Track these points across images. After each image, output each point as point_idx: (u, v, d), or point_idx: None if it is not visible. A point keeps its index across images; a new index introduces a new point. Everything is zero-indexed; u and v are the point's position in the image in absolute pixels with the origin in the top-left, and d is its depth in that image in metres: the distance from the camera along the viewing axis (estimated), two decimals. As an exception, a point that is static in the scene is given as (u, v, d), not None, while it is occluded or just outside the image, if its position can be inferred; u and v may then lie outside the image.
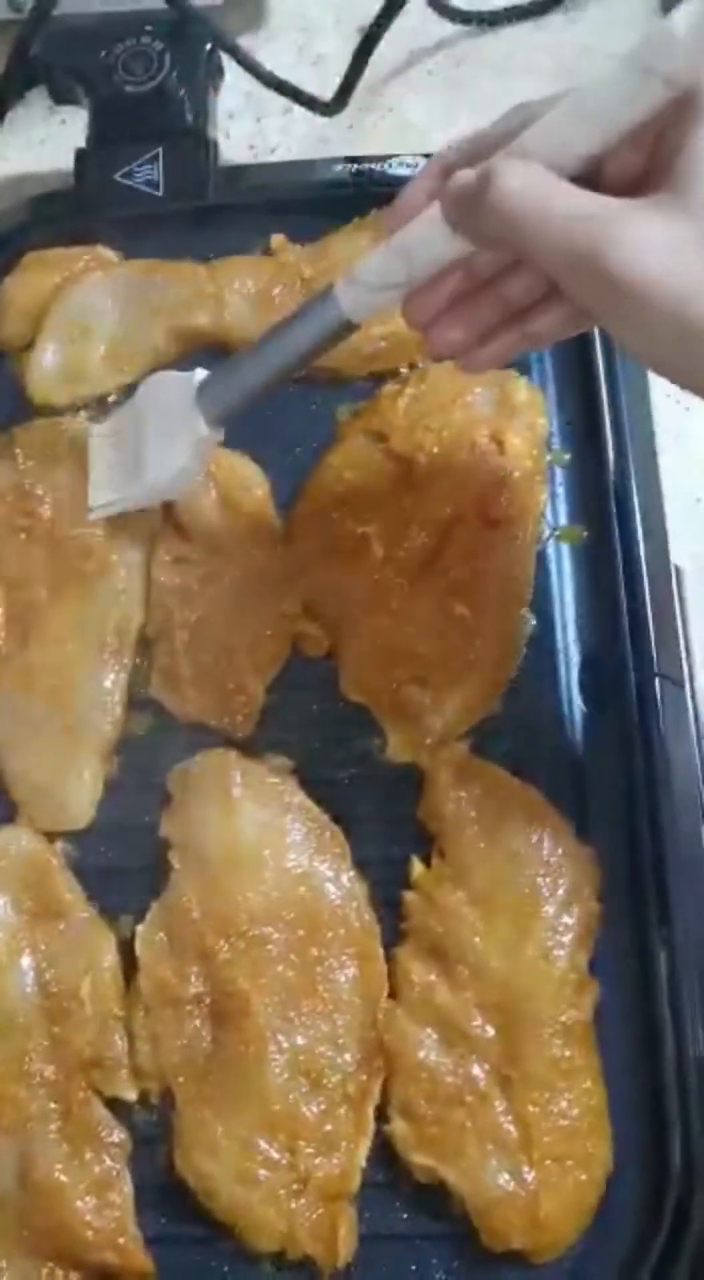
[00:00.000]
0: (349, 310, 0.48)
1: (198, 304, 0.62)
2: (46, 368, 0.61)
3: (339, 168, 0.66)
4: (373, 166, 0.65)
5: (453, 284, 0.46)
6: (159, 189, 0.64)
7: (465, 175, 0.42)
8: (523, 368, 0.61)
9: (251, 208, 0.65)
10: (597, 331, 0.61)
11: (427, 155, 0.65)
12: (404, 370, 0.61)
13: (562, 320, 0.46)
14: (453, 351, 0.48)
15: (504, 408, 0.59)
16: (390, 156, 0.66)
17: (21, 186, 0.74)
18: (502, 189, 0.40)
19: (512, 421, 0.58)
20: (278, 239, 0.63)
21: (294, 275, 0.62)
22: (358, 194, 0.65)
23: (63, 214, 0.66)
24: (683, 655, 0.56)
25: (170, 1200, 0.49)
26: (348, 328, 0.49)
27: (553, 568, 0.58)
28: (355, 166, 0.66)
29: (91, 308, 0.62)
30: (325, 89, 0.72)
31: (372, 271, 0.47)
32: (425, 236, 0.45)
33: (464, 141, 0.46)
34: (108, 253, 0.64)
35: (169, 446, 0.55)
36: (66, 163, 0.67)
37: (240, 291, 0.62)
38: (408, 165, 0.65)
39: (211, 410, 0.53)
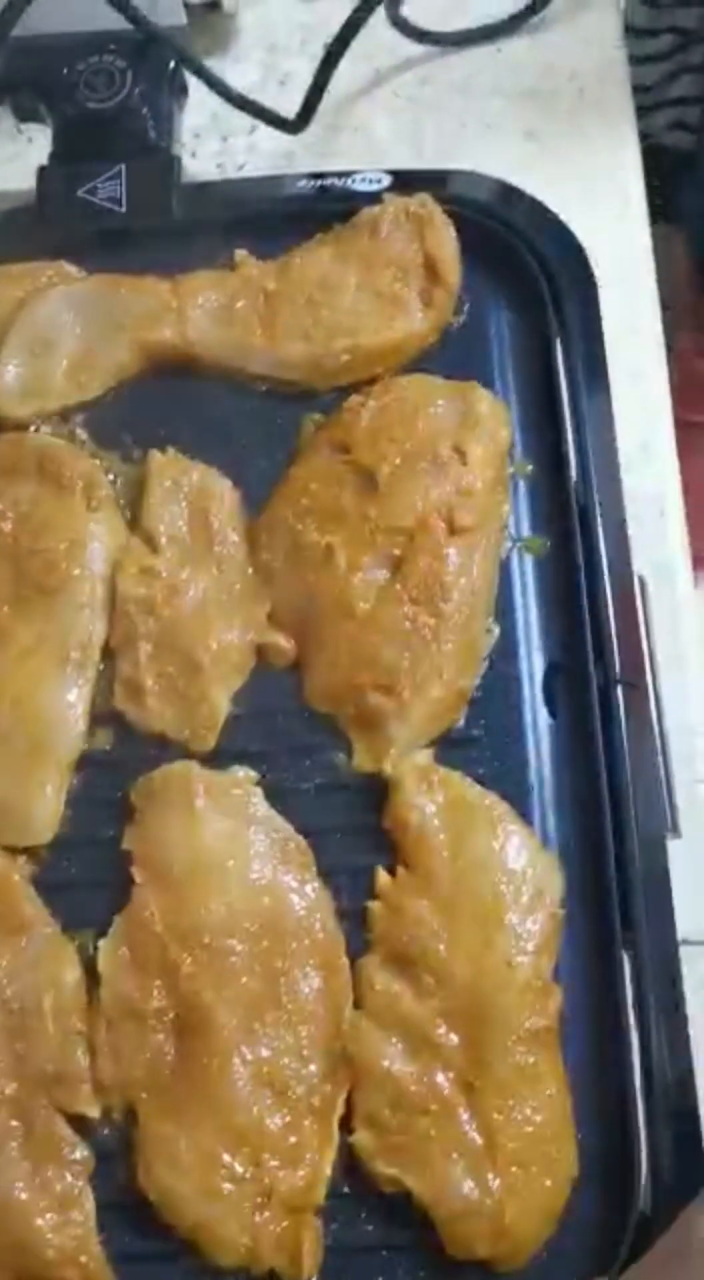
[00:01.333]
0: None
1: (161, 318, 0.62)
2: (9, 382, 0.61)
3: (302, 183, 0.67)
4: (335, 182, 0.66)
5: None
6: (122, 205, 0.65)
7: None
8: (486, 380, 0.61)
9: (215, 223, 0.66)
10: (558, 343, 0.62)
11: (389, 171, 0.66)
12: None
13: None
14: None
15: (467, 419, 0.59)
16: (352, 172, 0.66)
17: (-12, 204, 0.74)
18: None
19: (474, 433, 0.59)
20: (240, 254, 0.64)
21: (257, 290, 0.63)
22: (320, 209, 0.66)
23: (26, 230, 0.66)
24: (646, 663, 0.57)
25: (133, 1217, 0.49)
26: None
27: (516, 578, 0.58)
28: (318, 182, 0.66)
29: (54, 322, 0.62)
30: (293, 108, 0.73)
31: None
32: None
33: None
34: (71, 268, 0.64)
35: None
36: (33, 180, 0.68)
37: (203, 306, 0.62)
38: (370, 180, 0.66)
39: None
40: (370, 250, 0.63)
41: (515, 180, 0.68)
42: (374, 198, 0.65)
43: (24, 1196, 0.48)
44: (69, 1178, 0.48)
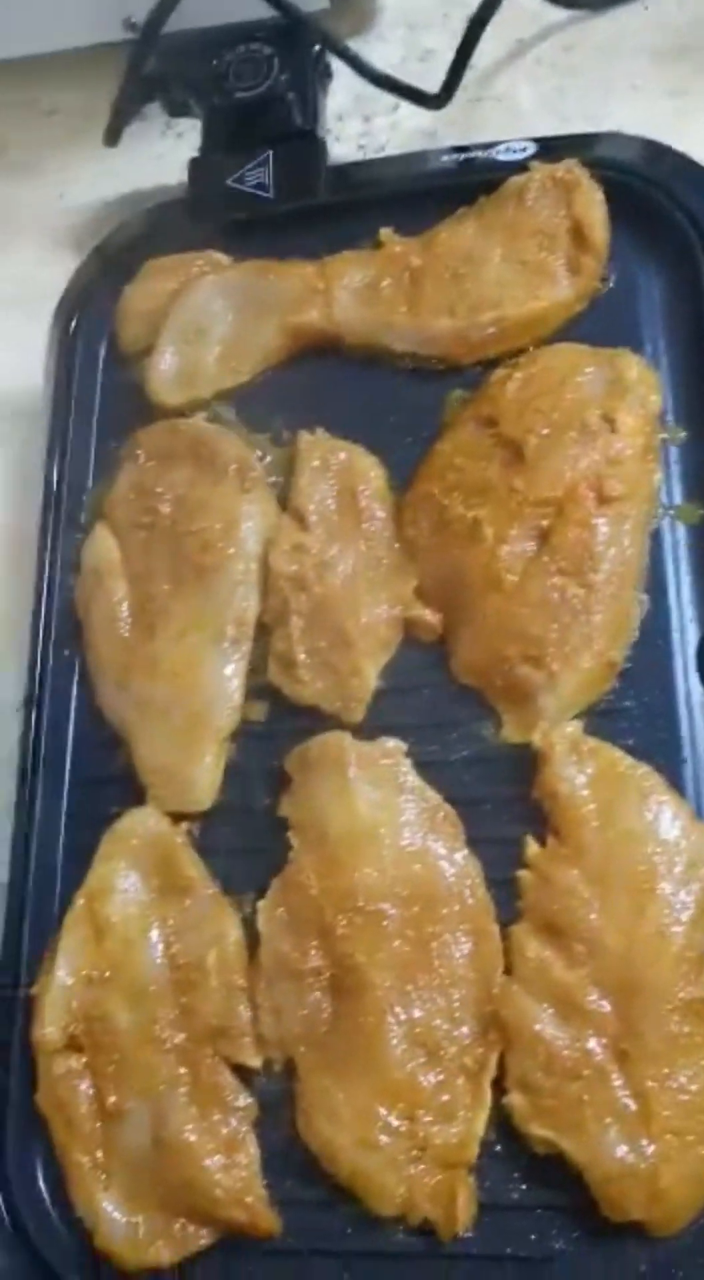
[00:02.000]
0: None
1: (308, 301, 0.63)
2: (165, 371, 0.64)
3: (445, 158, 0.67)
4: (478, 154, 0.66)
5: None
6: (269, 191, 0.66)
7: None
8: (636, 346, 0.60)
9: (360, 204, 0.67)
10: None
11: (533, 140, 0.66)
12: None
13: None
14: None
15: (616, 386, 0.58)
16: (496, 144, 0.66)
17: (142, 201, 0.77)
18: None
19: (624, 400, 0.58)
20: (385, 232, 0.64)
21: (402, 267, 0.63)
22: (465, 182, 0.65)
23: (178, 223, 0.68)
24: None
25: (294, 1165, 0.51)
26: None
27: (668, 548, 0.57)
28: (461, 156, 0.66)
29: (206, 310, 0.64)
30: (435, 85, 0.73)
31: None
32: None
33: None
34: (221, 257, 0.66)
35: None
36: (184, 175, 0.70)
37: (349, 286, 0.63)
38: (514, 150, 0.65)
39: None
40: (516, 220, 0.63)
41: (665, 140, 0.66)
42: (519, 167, 0.64)
43: (193, 1139, 0.50)
44: (234, 1122, 0.51)
